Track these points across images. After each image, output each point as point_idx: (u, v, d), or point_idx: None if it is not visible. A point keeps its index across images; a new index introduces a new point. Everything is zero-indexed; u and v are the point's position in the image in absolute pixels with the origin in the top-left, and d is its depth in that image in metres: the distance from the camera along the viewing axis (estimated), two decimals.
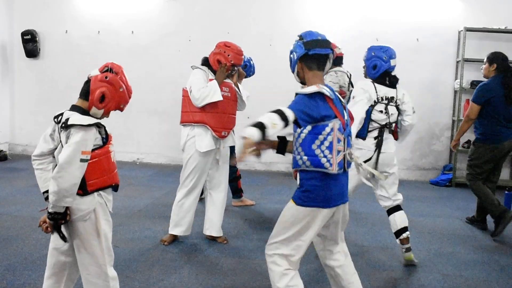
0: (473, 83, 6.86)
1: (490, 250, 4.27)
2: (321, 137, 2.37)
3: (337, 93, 2.58)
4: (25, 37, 7.69)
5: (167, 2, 7.51)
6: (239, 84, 4.18)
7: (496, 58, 4.71)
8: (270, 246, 2.56)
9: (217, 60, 3.90)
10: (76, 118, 2.28)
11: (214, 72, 3.94)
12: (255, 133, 2.21)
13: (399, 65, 8.00)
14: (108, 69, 2.38)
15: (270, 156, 7.61)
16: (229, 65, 3.89)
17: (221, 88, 3.86)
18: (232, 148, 4.28)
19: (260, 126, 2.23)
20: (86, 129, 2.27)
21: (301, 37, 2.56)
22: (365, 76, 3.89)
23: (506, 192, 5.56)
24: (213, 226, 4.15)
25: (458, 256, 4.11)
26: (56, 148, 2.39)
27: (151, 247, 4.01)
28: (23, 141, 8.08)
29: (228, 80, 4.01)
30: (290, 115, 2.32)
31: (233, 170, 5.31)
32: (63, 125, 2.28)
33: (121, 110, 2.48)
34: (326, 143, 2.37)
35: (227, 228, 4.51)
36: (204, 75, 3.90)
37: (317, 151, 2.38)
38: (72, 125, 2.25)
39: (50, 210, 2.26)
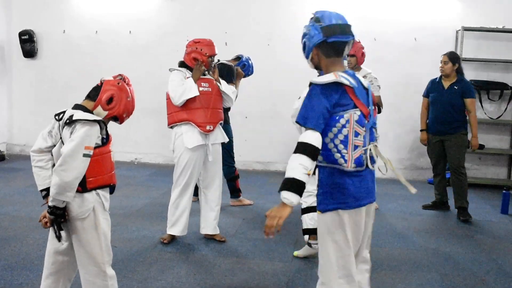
0: (471, 83, 6.86)
1: (488, 250, 4.27)
2: (334, 129, 2.12)
3: (361, 79, 2.30)
4: (22, 37, 7.68)
5: (166, 2, 7.50)
6: (221, 80, 4.15)
7: (458, 58, 5.24)
8: (326, 271, 2.22)
9: (193, 58, 3.96)
10: (81, 114, 2.34)
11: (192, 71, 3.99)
12: (293, 198, 2.00)
13: (398, 65, 8.00)
14: (122, 78, 2.49)
15: (268, 156, 7.64)
16: (205, 59, 3.94)
17: (199, 84, 3.93)
18: (223, 145, 4.25)
19: (296, 185, 1.99)
20: (91, 125, 2.31)
21: (317, 19, 2.23)
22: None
23: (504, 191, 5.57)
24: (208, 225, 4.15)
25: (456, 255, 4.11)
26: (53, 146, 2.40)
27: (149, 246, 4.01)
28: (21, 141, 8.06)
29: (209, 76, 4.05)
30: (315, 139, 2.04)
31: (231, 169, 5.31)
32: (67, 121, 2.31)
33: (121, 121, 2.50)
34: (341, 137, 2.12)
35: (224, 227, 4.51)
36: (181, 74, 3.97)
37: (330, 145, 2.14)
38: (77, 120, 2.29)
39: (50, 204, 2.27)
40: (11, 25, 7.84)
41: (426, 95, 5.47)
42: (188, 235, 4.19)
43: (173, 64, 4.20)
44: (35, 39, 7.72)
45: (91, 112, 2.41)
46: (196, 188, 4.36)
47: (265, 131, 7.45)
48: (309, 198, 3.65)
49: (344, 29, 2.21)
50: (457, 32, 7.00)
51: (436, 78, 5.35)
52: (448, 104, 5.17)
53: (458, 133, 5.17)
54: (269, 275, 3.55)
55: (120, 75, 2.51)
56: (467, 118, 5.25)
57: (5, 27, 7.84)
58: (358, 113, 2.16)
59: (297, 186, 2.01)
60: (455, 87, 5.17)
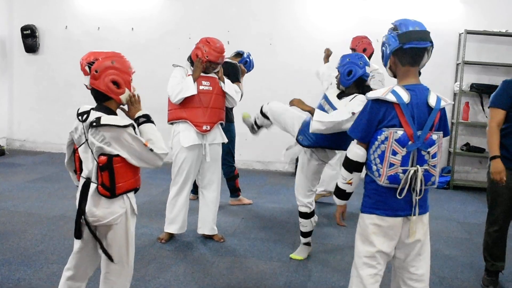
0: (473, 86, 6.85)
1: None
2: (376, 143, 2.22)
3: (432, 98, 2.24)
4: (24, 32, 7.68)
5: (168, 0, 7.50)
6: (226, 80, 4.08)
7: None
8: (353, 264, 2.43)
9: (195, 54, 3.90)
10: (110, 118, 2.24)
11: None
12: (336, 201, 2.49)
13: None
14: (89, 66, 2.29)
15: (268, 156, 7.63)
16: (204, 61, 3.86)
17: (200, 83, 3.87)
18: (223, 145, 4.21)
19: (338, 191, 2.43)
20: (127, 128, 2.26)
21: (395, 27, 2.26)
22: (338, 86, 3.48)
23: None
24: (205, 224, 4.13)
25: (455, 258, 4.10)
26: (72, 142, 2.41)
27: (148, 244, 4.00)
28: (21, 137, 8.06)
29: (213, 75, 3.99)
30: (354, 153, 2.30)
31: (231, 169, 5.30)
32: (94, 124, 2.20)
33: (133, 72, 2.41)
34: (378, 151, 2.21)
35: (223, 226, 4.50)
36: (182, 71, 3.92)
37: (371, 157, 2.26)
38: (106, 125, 2.20)
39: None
40: (13, 20, 7.83)
41: (508, 107, 3.36)
42: (186, 233, 4.18)
43: (174, 62, 4.18)
44: (37, 34, 7.72)
45: (114, 112, 2.34)
46: (197, 187, 4.35)
47: (266, 131, 7.43)
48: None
49: (420, 35, 2.21)
50: (459, 35, 6.99)
51: None
52: None
53: None
54: (267, 274, 3.54)
55: (82, 66, 2.31)
56: None
57: (6, 22, 7.83)
58: (400, 132, 2.16)
59: (339, 192, 2.45)
60: None
